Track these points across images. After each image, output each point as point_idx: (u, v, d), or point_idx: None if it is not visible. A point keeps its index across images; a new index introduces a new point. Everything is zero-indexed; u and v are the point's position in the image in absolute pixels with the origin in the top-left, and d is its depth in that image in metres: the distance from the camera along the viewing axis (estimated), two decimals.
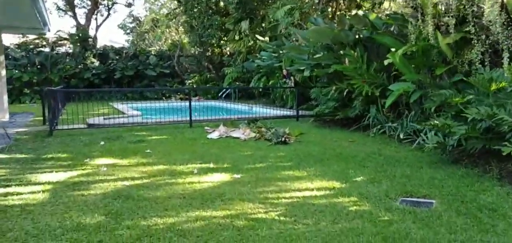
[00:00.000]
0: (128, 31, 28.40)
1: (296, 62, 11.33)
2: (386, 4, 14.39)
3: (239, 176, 4.76)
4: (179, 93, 20.10)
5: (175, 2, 23.06)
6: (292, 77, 12.87)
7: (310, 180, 4.55)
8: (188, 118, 9.62)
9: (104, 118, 10.16)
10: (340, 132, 8.43)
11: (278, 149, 6.61)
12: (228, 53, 21.95)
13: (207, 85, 20.88)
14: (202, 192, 4.09)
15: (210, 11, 19.63)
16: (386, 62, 7.32)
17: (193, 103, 10.13)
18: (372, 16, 8.97)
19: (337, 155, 5.95)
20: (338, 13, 14.68)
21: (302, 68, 10.69)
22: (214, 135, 7.99)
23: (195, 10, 19.37)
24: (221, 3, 20.41)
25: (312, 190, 4.15)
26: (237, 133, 8.11)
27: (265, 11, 17.59)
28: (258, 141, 7.45)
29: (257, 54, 16.57)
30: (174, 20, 24.08)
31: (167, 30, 25.38)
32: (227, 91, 18.11)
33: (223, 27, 19.33)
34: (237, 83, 18.58)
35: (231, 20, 18.26)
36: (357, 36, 9.04)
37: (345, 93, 8.87)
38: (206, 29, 19.21)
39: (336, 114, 8.94)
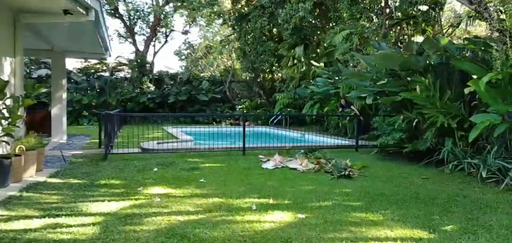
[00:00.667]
0: (183, 57, 29.10)
1: (356, 89, 10.65)
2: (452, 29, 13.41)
3: (303, 216, 4.20)
4: (229, 118, 19.98)
5: (229, 29, 23.31)
6: (352, 106, 12.13)
7: (388, 226, 3.87)
8: (240, 144, 9.22)
9: (157, 143, 10.06)
10: (408, 166, 7.58)
11: (342, 183, 5.97)
12: (280, 79, 21.63)
13: (257, 111, 20.60)
14: (264, 235, 3.57)
15: (264, 37, 19.52)
16: (466, 90, 6.48)
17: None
18: (444, 41, 8.18)
19: (413, 195, 5.19)
20: (400, 38, 13.86)
21: (363, 95, 9.99)
22: (269, 165, 7.49)
23: (249, 36, 19.36)
24: (275, 30, 20.26)
25: (396, 240, 3.48)
26: (294, 163, 7.55)
27: (320, 37, 17.12)
28: (317, 173, 6.86)
29: (311, 81, 16.04)
30: (227, 46, 24.32)
31: (220, 56, 25.67)
32: (278, 118, 17.65)
33: (276, 53, 19.08)
34: (288, 109, 18.11)
35: (285, 46, 17.97)
36: (427, 62, 8.25)
37: (414, 123, 8.04)
38: (259, 55, 19.09)
39: (403, 146, 8.08)
